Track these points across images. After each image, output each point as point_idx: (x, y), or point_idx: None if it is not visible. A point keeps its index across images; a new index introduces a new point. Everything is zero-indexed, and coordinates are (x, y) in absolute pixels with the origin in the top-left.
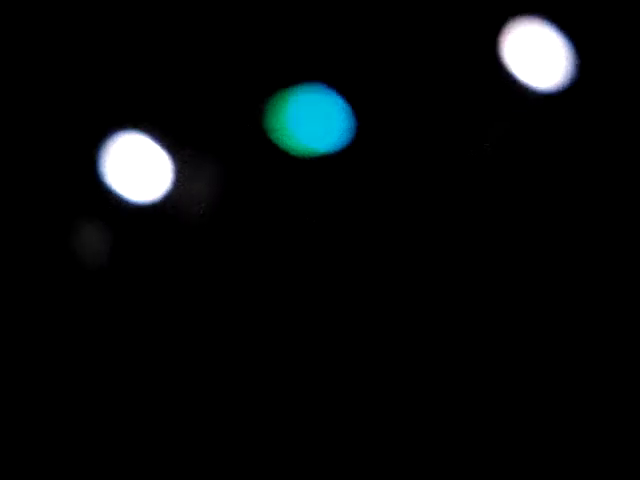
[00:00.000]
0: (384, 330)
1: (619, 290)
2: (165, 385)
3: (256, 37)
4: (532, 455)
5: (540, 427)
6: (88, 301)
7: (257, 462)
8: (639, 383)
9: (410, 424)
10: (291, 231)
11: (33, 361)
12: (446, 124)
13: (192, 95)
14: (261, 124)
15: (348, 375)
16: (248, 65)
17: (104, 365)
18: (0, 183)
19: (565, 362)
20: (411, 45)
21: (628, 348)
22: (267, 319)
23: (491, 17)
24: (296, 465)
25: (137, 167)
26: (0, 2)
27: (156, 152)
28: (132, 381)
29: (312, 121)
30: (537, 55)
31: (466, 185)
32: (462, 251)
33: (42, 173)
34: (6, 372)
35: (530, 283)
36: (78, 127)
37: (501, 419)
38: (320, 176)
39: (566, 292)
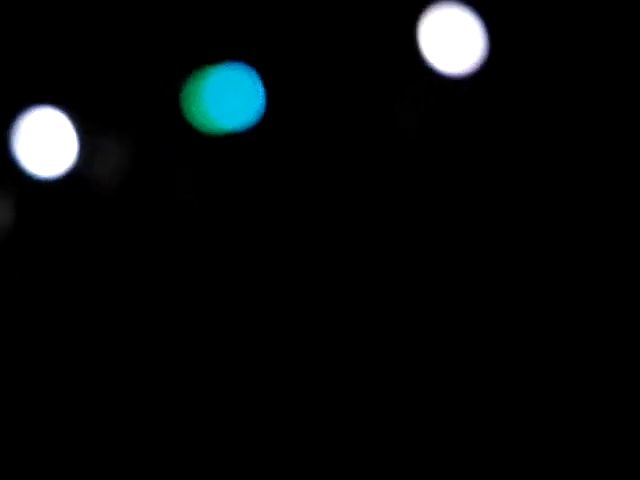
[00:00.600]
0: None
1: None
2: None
3: (173, 15)
4: (532, 455)
5: (540, 427)
6: None
7: (257, 462)
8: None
9: (410, 423)
10: (197, 207)
11: None
12: (359, 106)
13: (108, 73)
14: (175, 101)
15: (310, 371)
16: (164, 42)
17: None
18: None
19: (563, 361)
20: (328, 25)
21: (626, 347)
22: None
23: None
24: (296, 465)
25: (45, 142)
26: None
27: (66, 127)
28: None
29: (225, 99)
30: (451, 40)
31: (376, 166)
32: (367, 237)
33: None
34: None
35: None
36: None
37: (501, 419)
38: (230, 154)
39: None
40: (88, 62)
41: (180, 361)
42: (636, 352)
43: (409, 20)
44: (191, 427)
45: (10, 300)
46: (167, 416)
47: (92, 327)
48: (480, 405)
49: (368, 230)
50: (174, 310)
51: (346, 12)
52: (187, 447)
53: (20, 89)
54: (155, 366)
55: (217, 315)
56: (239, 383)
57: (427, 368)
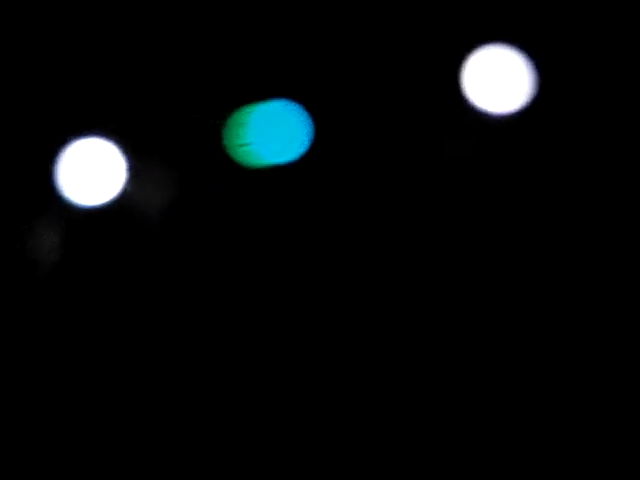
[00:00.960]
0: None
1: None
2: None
3: (219, 50)
4: (532, 455)
5: (540, 427)
6: (41, 302)
7: (256, 461)
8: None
9: (409, 423)
10: (245, 239)
11: None
12: (403, 140)
13: (155, 104)
14: (219, 136)
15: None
16: (209, 77)
17: (59, 364)
18: None
19: (563, 361)
20: (375, 62)
21: (626, 347)
22: (219, 321)
23: (453, 42)
24: (296, 465)
25: (91, 171)
26: None
27: (113, 157)
28: (81, 384)
29: (270, 134)
30: (496, 79)
31: (423, 201)
32: (418, 267)
33: None
34: None
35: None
36: (34, 131)
37: (501, 419)
38: (274, 186)
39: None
40: (138, 94)
41: (192, 370)
42: (636, 352)
43: (455, 59)
44: (191, 427)
45: (59, 328)
46: (167, 416)
47: (135, 353)
48: (480, 405)
49: (406, 265)
50: (209, 337)
51: (395, 51)
52: (187, 447)
53: (71, 119)
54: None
55: (248, 346)
56: (239, 384)
57: (427, 368)
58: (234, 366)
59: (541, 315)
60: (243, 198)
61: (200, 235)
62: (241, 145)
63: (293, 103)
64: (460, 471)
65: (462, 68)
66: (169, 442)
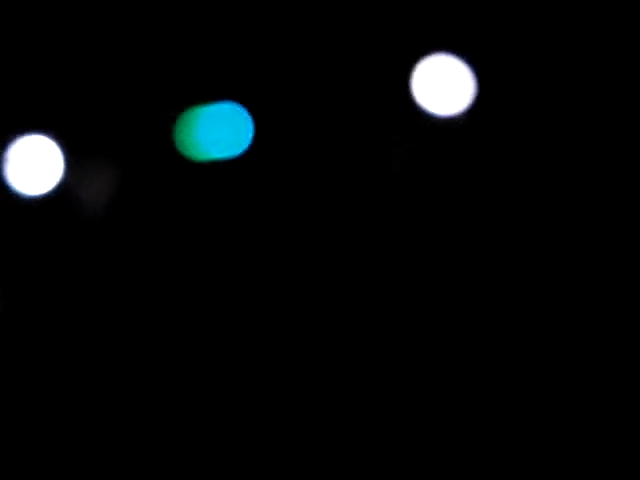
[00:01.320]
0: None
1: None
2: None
3: (166, 48)
4: (532, 455)
5: (540, 427)
6: None
7: (256, 461)
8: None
9: (410, 423)
10: (185, 230)
11: None
12: (349, 140)
13: (100, 98)
14: (166, 131)
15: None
16: (159, 73)
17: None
18: None
19: (563, 361)
20: (321, 65)
21: (626, 347)
22: (158, 314)
23: (402, 49)
24: (296, 465)
25: (34, 163)
26: None
27: (53, 150)
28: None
29: (215, 131)
30: (442, 84)
31: (363, 203)
32: (357, 259)
33: None
34: None
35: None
36: None
37: (501, 419)
38: (218, 180)
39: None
40: (83, 88)
41: (172, 369)
42: (636, 352)
43: (403, 65)
44: (190, 427)
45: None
46: (166, 416)
47: (74, 343)
48: (480, 405)
49: (354, 264)
50: (159, 330)
51: (342, 54)
52: (187, 447)
53: (11, 116)
54: (146, 372)
55: (204, 326)
56: (238, 384)
57: (427, 368)
58: (167, 357)
59: (488, 306)
60: (185, 190)
61: (142, 226)
62: (189, 141)
63: (238, 105)
64: (460, 471)
65: (411, 73)
66: (160, 439)
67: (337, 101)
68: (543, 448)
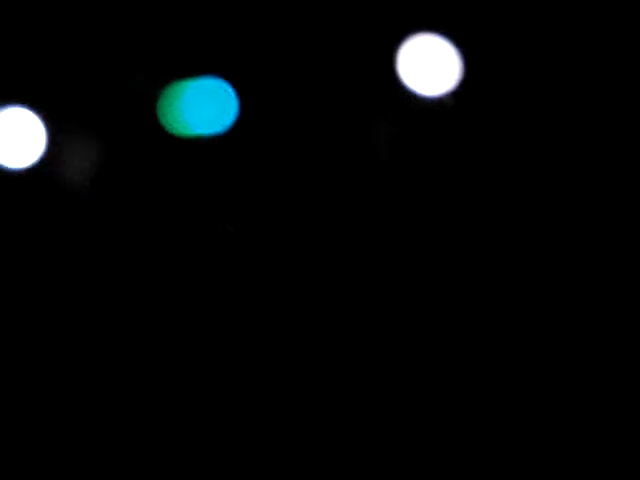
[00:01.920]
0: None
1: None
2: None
3: (151, 22)
4: (532, 455)
5: (540, 427)
6: None
7: (256, 461)
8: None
9: (409, 424)
10: (169, 207)
11: None
12: (337, 124)
13: (84, 71)
14: (150, 105)
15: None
16: (143, 46)
17: None
18: None
19: (563, 361)
20: (310, 44)
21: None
22: (139, 291)
23: (388, 29)
24: (296, 465)
25: (13, 136)
26: None
27: (35, 123)
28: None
29: (200, 107)
30: (427, 63)
31: (350, 182)
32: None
33: None
34: None
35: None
36: None
37: (501, 419)
38: (201, 157)
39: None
40: (67, 62)
41: (161, 360)
42: (636, 352)
43: (389, 45)
44: (190, 427)
45: None
46: (165, 417)
47: (53, 319)
48: (480, 405)
49: (335, 246)
50: (130, 308)
51: (331, 32)
52: (187, 447)
53: None
54: (133, 365)
55: (184, 314)
56: (238, 385)
57: (426, 368)
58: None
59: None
60: (168, 166)
61: (125, 202)
62: (173, 116)
63: (223, 80)
64: (460, 471)
65: (397, 53)
66: (159, 437)
67: (323, 78)
68: (543, 448)
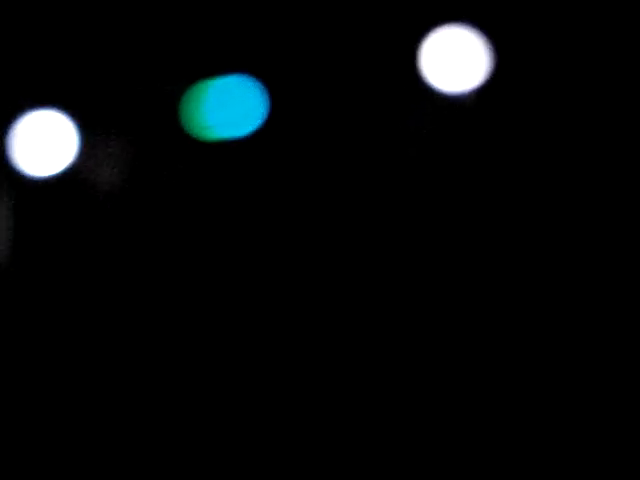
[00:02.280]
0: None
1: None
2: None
3: (174, 26)
4: (532, 455)
5: (540, 427)
6: None
7: (256, 462)
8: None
9: (409, 424)
10: (199, 213)
11: None
12: (362, 119)
13: (112, 78)
14: (175, 108)
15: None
16: (167, 50)
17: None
18: None
19: (563, 361)
20: (332, 40)
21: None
22: (169, 296)
23: (410, 23)
24: (296, 465)
25: (45, 143)
26: None
27: (66, 129)
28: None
29: (224, 108)
30: (452, 59)
31: (376, 180)
32: (371, 245)
33: None
34: None
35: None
36: None
37: (501, 419)
38: (228, 160)
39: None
40: (92, 66)
41: (170, 360)
42: (636, 352)
43: (412, 39)
44: (190, 427)
45: (9, 299)
46: (165, 417)
47: (88, 326)
48: (480, 405)
49: (366, 245)
50: (170, 310)
51: (352, 28)
52: (187, 447)
53: (21, 91)
54: (145, 365)
55: (215, 316)
56: (237, 385)
57: (426, 369)
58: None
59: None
60: (197, 171)
61: (154, 208)
62: (197, 119)
63: (249, 78)
64: (460, 471)
65: (420, 48)
66: (166, 440)
67: (347, 75)
68: (543, 448)
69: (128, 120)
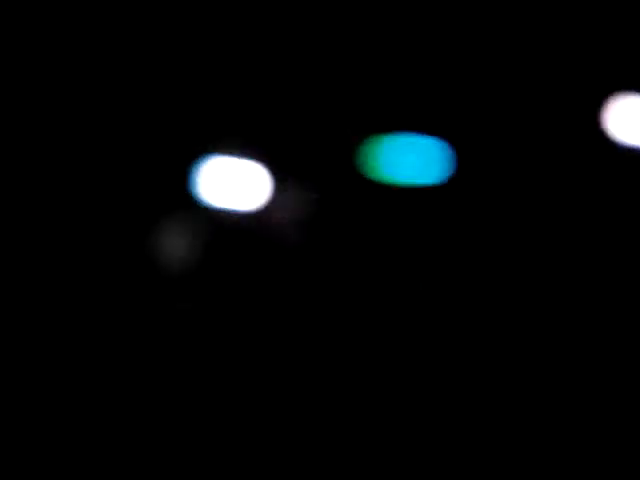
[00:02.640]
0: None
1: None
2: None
3: (360, 82)
4: (532, 455)
5: (540, 427)
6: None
7: (257, 462)
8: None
9: (409, 424)
10: (378, 256)
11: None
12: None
13: (300, 130)
14: (357, 159)
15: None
16: (347, 105)
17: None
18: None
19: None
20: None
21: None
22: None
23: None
24: (296, 465)
25: (237, 183)
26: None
27: (259, 174)
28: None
29: (407, 161)
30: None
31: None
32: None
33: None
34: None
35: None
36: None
37: (501, 419)
38: (410, 206)
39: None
40: (281, 121)
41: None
42: (636, 352)
43: (596, 100)
44: (190, 427)
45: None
46: (165, 417)
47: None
48: (480, 405)
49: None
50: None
51: (537, 81)
52: (187, 447)
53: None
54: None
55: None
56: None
57: (426, 371)
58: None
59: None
60: (377, 215)
61: (337, 249)
62: (378, 170)
63: (432, 137)
64: (460, 471)
65: (604, 108)
66: (166, 440)
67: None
68: (543, 448)
69: (314, 166)
